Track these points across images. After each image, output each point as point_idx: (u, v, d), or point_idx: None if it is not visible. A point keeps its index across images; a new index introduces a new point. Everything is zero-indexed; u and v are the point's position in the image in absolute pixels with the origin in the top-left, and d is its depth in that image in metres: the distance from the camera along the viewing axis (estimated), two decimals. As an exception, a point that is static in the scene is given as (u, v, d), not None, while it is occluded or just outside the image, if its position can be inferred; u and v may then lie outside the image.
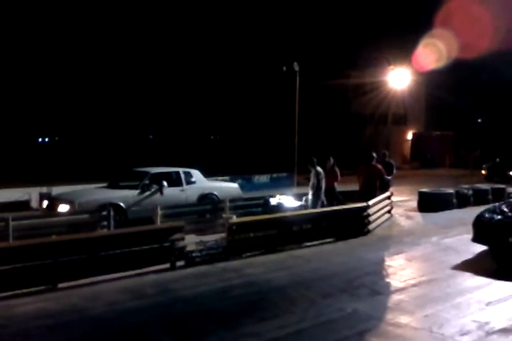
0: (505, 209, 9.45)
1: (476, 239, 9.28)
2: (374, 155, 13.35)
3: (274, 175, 24.32)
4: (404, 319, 6.31)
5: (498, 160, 28.21)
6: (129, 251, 8.48)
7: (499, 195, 17.49)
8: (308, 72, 28.28)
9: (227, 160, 27.64)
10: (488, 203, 16.40)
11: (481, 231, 9.20)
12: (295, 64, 27.28)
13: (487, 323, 6.14)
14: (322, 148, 23.01)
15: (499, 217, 9.16)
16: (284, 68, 27.74)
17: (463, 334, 5.81)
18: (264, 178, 23.88)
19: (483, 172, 27.35)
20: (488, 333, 5.83)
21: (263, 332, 5.89)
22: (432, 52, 33.12)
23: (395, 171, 14.83)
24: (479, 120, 45.30)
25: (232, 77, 30.71)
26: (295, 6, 31.69)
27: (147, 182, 13.17)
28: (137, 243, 8.62)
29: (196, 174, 14.37)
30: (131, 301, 7.11)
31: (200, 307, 6.89)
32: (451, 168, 36.74)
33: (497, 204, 10.70)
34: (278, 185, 21.65)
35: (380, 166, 13.33)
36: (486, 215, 9.43)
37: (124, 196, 12.73)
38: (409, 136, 45.48)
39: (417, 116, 44.10)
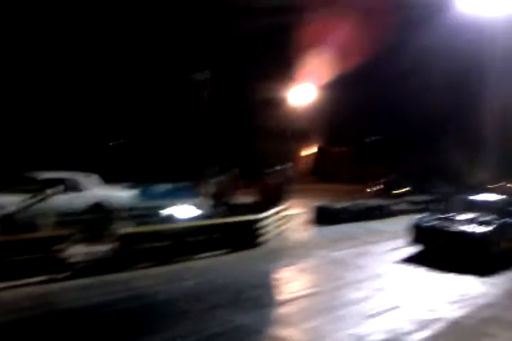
0: (437, 219, 11.61)
1: (415, 241, 11.51)
2: (274, 168, 13.62)
3: (177, 185, 24.00)
4: (285, 332, 6.41)
5: (393, 176, 29.78)
6: (8, 261, 7.99)
7: (387, 211, 18.56)
8: (216, 81, 28.35)
9: (131, 166, 26.95)
10: (376, 218, 17.40)
11: (417, 235, 11.42)
12: (205, 72, 27.34)
13: (367, 335, 6.35)
14: (225, 159, 23.05)
15: (430, 224, 11.44)
16: (195, 77, 27.71)
17: (342, 347, 5.98)
18: (166, 187, 23.47)
19: (376, 188, 28.70)
20: (366, 345, 6.03)
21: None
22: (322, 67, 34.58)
23: (291, 185, 15.18)
24: (369, 139, 47.58)
25: (141, 84, 30.10)
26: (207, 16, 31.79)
27: (37, 187, 12.49)
28: (17, 252, 8.14)
29: (90, 180, 13.83)
30: (3, 316, 6.66)
31: (78, 322, 6.59)
32: (349, 183, 38.19)
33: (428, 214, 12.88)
34: (180, 194, 21.36)
35: (277, 180, 13.59)
36: (421, 223, 11.67)
37: (11, 202, 11.98)
38: (310, 150, 46.94)
39: (317, 133, 45.59)
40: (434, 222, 11.50)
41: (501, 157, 33.06)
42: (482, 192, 13.87)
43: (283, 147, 37.64)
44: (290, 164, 14.90)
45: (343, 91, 36.69)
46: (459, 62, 31.16)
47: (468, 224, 11.02)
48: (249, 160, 30.08)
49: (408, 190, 25.52)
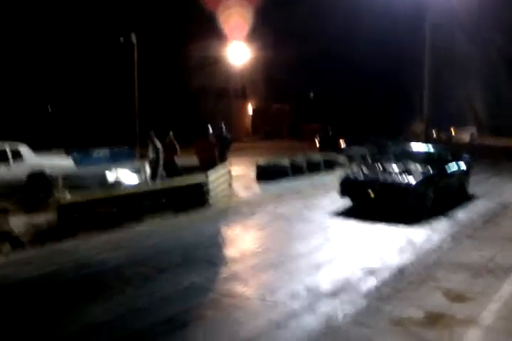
0: (366, 172, 11.40)
1: (343, 194, 11.28)
2: (210, 129, 13.45)
3: (115, 149, 23.48)
4: (238, 289, 6.42)
5: (329, 131, 30.17)
6: None
7: (329, 164, 18.84)
8: (147, 43, 27.47)
9: (65, 132, 26.05)
10: (318, 172, 17.66)
11: (346, 188, 11.20)
12: (132, 35, 26.41)
13: (317, 286, 6.46)
14: (162, 121, 22.61)
15: (361, 177, 11.19)
16: (122, 39, 26.71)
17: (294, 299, 6.05)
18: (104, 152, 22.93)
19: (316, 142, 29.07)
20: (317, 296, 6.14)
21: (92, 317, 5.57)
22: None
23: (230, 145, 15.07)
24: (311, 94, 47.91)
25: (68, 47, 28.76)
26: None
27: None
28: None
29: (24, 150, 13.26)
30: None
31: (23, 296, 6.35)
32: (290, 139, 38.51)
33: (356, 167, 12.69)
34: (119, 159, 20.92)
35: (213, 140, 13.45)
36: (351, 176, 11.42)
37: None
38: (250, 109, 46.69)
39: (256, 91, 45.29)
40: (363, 174, 11.28)
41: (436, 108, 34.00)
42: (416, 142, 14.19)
43: (223, 106, 37.25)
44: (223, 123, 14.66)
45: (280, 47, 36.39)
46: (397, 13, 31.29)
47: (398, 175, 10.85)
48: (187, 121, 29.63)
49: (347, 145, 25.96)
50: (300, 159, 18.27)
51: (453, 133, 41.88)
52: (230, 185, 13.92)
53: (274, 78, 41.48)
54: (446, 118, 39.55)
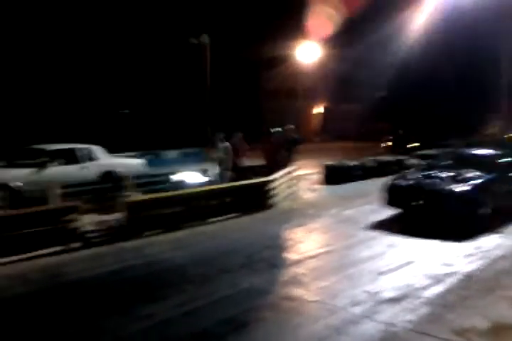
0: (415, 176, 10.59)
1: (390, 203, 10.44)
2: (272, 130, 13.47)
3: (185, 151, 24.02)
4: (298, 292, 6.38)
5: (401, 132, 29.47)
6: (19, 234, 8.01)
7: (401, 166, 18.30)
8: (218, 44, 27.89)
9: (137, 135, 26.90)
10: (391, 174, 17.14)
11: (393, 196, 10.35)
12: (204, 36, 26.86)
13: (377, 293, 6.30)
14: (231, 122, 22.91)
15: (408, 184, 10.29)
16: (194, 41, 27.24)
17: (354, 304, 5.94)
18: (174, 154, 23.53)
19: (386, 144, 28.48)
20: (378, 302, 5.99)
21: (157, 313, 5.73)
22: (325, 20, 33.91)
23: (298, 146, 14.97)
24: (382, 94, 46.91)
25: (140, 50, 29.65)
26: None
27: (43, 160, 12.50)
28: (27, 225, 8.16)
29: (97, 150, 13.82)
30: (16, 288, 6.72)
31: (88, 292, 6.61)
32: (359, 140, 37.89)
33: (406, 171, 11.95)
34: (189, 160, 21.36)
35: (279, 141, 13.45)
36: (398, 181, 10.60)
37: (17, 176, 12.00)
38: (318, 109, 46.41)
39: (325, 91, 44.96)
40: (412, 181, 10.35)
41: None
42: (489, 146, 13.08)
43: (291, 106, 37.26)
44: (291, 125, 14.57)
45: (348, 47, 36.00)
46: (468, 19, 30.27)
47: (450, 181, 9.85)
48: (257, 121, 29.85)
49: (418, 145, 25.25)
50: (369, 161, 17.94)
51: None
52: (295, 186, 13.87)
53: (344, 79, 41.07)
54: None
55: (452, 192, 9.50)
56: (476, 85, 36.44)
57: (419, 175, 10.63)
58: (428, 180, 10.14)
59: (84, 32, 27.07)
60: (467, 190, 9.51)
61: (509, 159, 11.29)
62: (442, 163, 11.29)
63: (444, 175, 10.21)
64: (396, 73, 38.23)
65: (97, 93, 28.02)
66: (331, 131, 43.85)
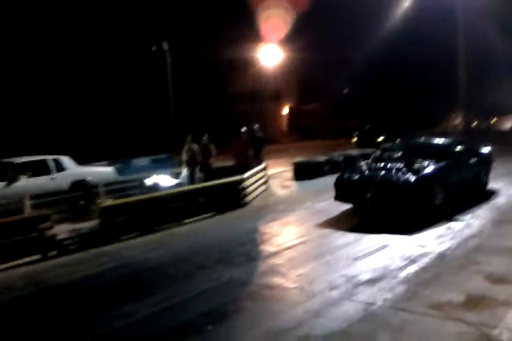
0: (363, 169, 10.31)
1: (337, 198, 10.18)
2: (242, 130, 13.60)
3: (154, 157, 24.00)
4: (277, 281, 6.48)
5: (367, 127, 29.94)
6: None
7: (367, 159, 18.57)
8: (178, 50, 27.89)
9: (106, 144, 26.75)
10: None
11: (341, 191, 10.09)
12: (164, 43, 26.84)
13: (354, 276, 6.43)
14: (198, 126, 22.94)
15: (356, 177, 10.00)
16: (154, 48, 27.19)
17: (332, 288, 6.06)
18: (143, 161, 23.48)
19: (354, 139, 28.91)
20: (355, 285, 6.12)
21: (136, 311, 5.75)
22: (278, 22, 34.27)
23: (264, 144, 15.15)
24: (345, 91, 47.56)
25: (100, 61, 29.46)
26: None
27: (12, 173, 12.36)
28: (3, 235, 8.08)
29: (66, 161, 13.71)
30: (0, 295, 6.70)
31: (72, 295, 6.61)
32: (326, 138, 38.32)
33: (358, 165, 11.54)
34: (159, 166, 21.30)
35: (246, 140, 13.59)
36: (346, 175, 10.28)
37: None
38: (285, 110, 46.76)
39: (289, 92, 45.35)
40: (359, 174, 10.07)
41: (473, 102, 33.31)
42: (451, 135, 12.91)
43: (258, 109, 37.47)
44: (256, 124, 14.73)
45: (309, 49, 36.35)
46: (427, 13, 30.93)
47: (400, 172, 9.55)
48: (224, 125, 29.90)
49: (384, 139, 25.67)
50: (337, 156, 18.20)
51: (492, 123, 40.93)
52: (267, 184, 14.01)
53: (307, 79, 41.45)
54: (490, 108, 38.76)
55: (407, 182, 9.26)
56: (439, 77, 37.16)
57: (371, 166, 10.35)
58: (378, 172, 9.85)
59: (44, 40, 26.80)
60: (419, 179, 9.33)
61: (464, 147, 11.34)
62: (394, 154, 10.96)
63: (394, 165, 9.94)
64: (360, 69, 38.80)
65: (62, 103, 27.72)
66: (299, 130, 44.20)
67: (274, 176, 15.79)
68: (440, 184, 9.69)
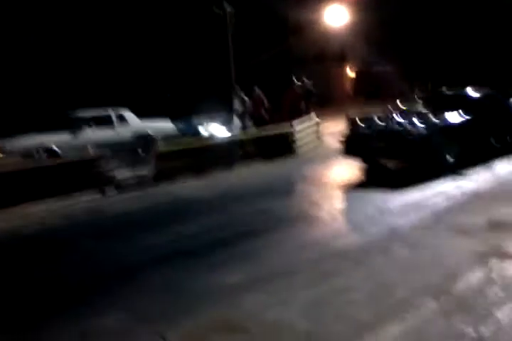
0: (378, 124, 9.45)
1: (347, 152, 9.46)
2: (295, 81, 13.83)
3: (213, 115, 24.42)
4: (313, 210, 7.00)
5: (430, 86, 29.06)
6: (57, 180, 8.86)
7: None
8: (242, 13, 27.85)
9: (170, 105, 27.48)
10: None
11: (350, 146, 9.41)
12: (225, 4, 26.87)
13: (388, 208, 6.77)
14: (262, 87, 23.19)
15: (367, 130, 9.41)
16: (217, 10, 27.30)
17: (363, 217, 6.47)
18: (202, 119, 23.97)
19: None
20: (388, 214, 6.47)
21: (184, 230, 6.47)
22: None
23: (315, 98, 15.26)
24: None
25: (164, 28, 29.89)
26: None
27: (79, 125, 13.26)
28: (66, 173, 8.99)
29: (129, 115, 14.45)
30: (62, 221, 7.66)
31: (127, 220, 7.45)
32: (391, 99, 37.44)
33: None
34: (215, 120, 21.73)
35: (298, 93, 13.81)
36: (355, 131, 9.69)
37: (56, 140, 12.80)
38: (351, 73, 46.04)
39: (356, 53, 44.47)
40: (372, 127, 9.30)
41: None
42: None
43: (322, 71, 37.08)
44: (309, 80, 14.82)
45: (376, 10, 35.35)
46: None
47: (414, 125, 8.69)
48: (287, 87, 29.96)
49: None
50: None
51: None
52: (318, 135, 14.16)
53: (374, 40, 40.47)
54: None
55: (416, 135, 8.52)
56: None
57: (387, 121, 9.38)
58: (390, 125, 9.13)
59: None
60: (430, 133, 8.58)
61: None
62: (421, 108, 10.00)
63: (412, 119, 8.96)
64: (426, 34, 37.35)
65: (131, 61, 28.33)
66: (364, 93, 43.47)
67: (329, 129, 15.92)
68: (455, 140, 8.85)
